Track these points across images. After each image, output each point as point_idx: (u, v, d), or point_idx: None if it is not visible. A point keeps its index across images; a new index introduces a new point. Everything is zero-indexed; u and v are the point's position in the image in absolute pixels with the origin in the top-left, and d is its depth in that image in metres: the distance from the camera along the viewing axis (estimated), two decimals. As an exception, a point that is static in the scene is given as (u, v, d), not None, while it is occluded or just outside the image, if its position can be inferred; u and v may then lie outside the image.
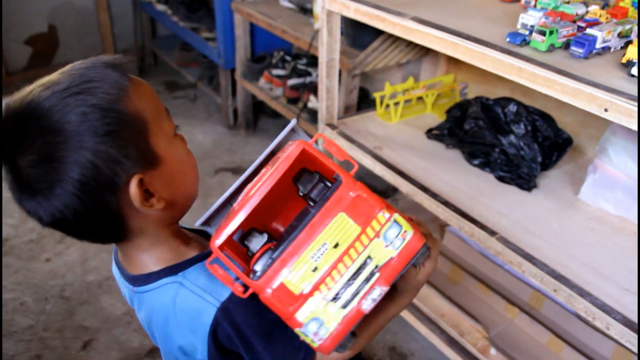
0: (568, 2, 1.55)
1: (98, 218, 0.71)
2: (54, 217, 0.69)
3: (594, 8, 1.45)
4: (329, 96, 1.85)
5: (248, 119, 3.13)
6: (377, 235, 0.69)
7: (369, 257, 0.68)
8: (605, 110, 1.08)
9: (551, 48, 1.27)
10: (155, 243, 0.79)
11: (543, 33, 1.26)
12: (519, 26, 1.39)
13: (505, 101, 1.66)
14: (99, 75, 0.69)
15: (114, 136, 0.67)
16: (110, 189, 0.69)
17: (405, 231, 0.70)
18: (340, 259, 0.68)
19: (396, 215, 0.70)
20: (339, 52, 1.80)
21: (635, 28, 1.32)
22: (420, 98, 2.05)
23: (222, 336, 0.75)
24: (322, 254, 0.67)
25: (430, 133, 1.84)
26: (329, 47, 1.77)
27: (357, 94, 2.21)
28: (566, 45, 1.29)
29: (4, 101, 0.69)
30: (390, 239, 0.69)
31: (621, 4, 1.48)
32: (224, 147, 3.06)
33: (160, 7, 3.46)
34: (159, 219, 0.76)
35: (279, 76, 2.71)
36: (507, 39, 1.31)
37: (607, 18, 1.40)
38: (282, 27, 2.48)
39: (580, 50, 1.24)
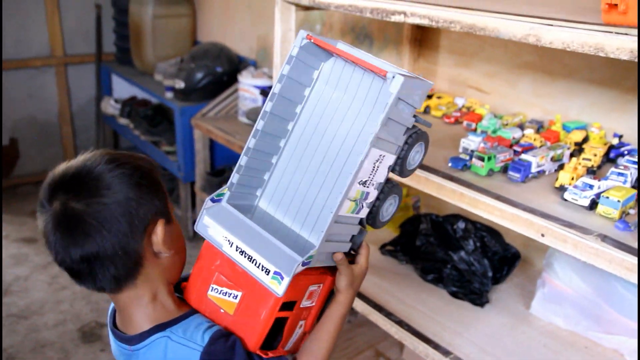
0: (506, 125, 1.66)
1: (126, 250, 0.86)
2: (93, 248, 0.83)
3: (529, 132, 1.55)
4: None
5: (208, 230, 3.12)
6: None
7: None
8: (542, 235, 1.13)
9: (490, 172, 1.34)
10: (154, 297, 0.92)
11: (482, 159, 1.33)
12: (460, 150, 1.48)
13: (454, 218, 1.72)
14: (138, 155, 0.93)
15: (150, 190, 0.88)
16: (142, 224, 0.86)
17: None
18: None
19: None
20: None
21: (567, 152, 1.42)
22: (374, 212, 2.09)
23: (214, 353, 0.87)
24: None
25: (384, 249, 1.87)
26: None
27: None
28: (504, 169, 1.37)
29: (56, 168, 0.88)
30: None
31: (553, 127, 1.59)
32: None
33: (123, 121, 3.53)
34: (164, 269, 0.92)
35: (237, 189, 2.75)
36: (449, 164, 1.38)
37: (541, 142, 1.49)
38: (240, 143, 2.55)
39: (517, 175, 1.31)
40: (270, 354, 0.92)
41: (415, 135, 0.94)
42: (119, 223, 0.84)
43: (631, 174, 1.24)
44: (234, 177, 0.95)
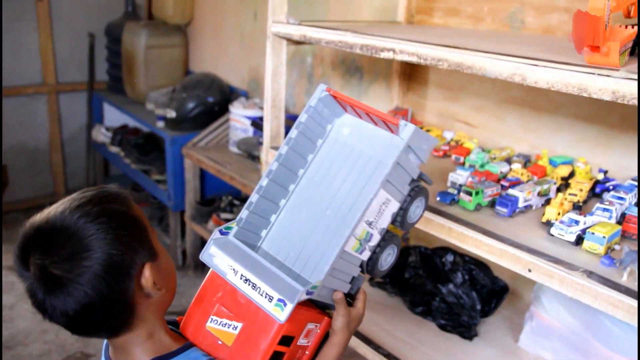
0: (494, 159, 1.68)
1: (118, 302, 0.85)
2: (81, 305, 0.81)
3: (517, 167, 1.58)
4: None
5: (197, 260, 3.11)
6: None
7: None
8: (529, 270, 1.14)
9: (478, 207, 1.36)
10: (152, 335, 0.91)
11: (470, 193, 1.35)
12: (448, 184, 1.49)
13: (442, 251, 1.73)
14: (110, 195, 0.88)
15: (131, 232, 0.85)
16: (128, 274, 0.85)
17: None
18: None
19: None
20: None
21: (554, 187, 1.44)
22: (363, 244, 2.09)
23: None
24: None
25: (373, 281, 1.87)
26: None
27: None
28: (492, 204, 1.38)
29: (28, 222, 0.84)
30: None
31: (540, 162, 1.61)
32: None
33: (114, 149, 3.53)
34: (157, 306, 0.91)
35: (227, 220, 2.75)
36: (438, 198, 1.40)
37: (528, 176, 1.51)
38: (230, 173, 2.56)
39: (505, 210, 1.33)
40: None
41: (418, 189, 1.00)
42: (104, 280, 0.82)
43: (616, 209, 1.26)
44: (244, 213, 0.97)
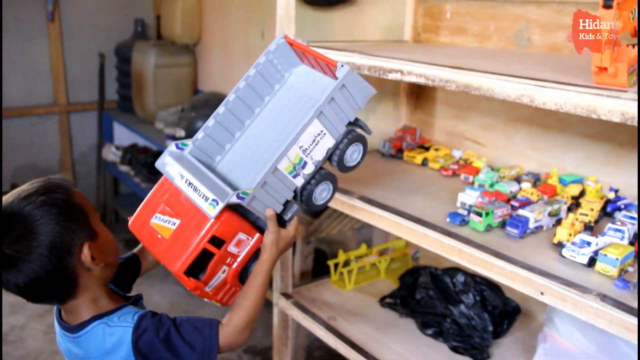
0: (503, 178, 1.67)
1: (60, 276, 0.99)
2: (30, 279, 0.96)
3: (526, 186, 1.56)
4: (283, 266, 1.88)
5: (206, 278, 3.10)
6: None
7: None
8: (542, 293, 1.12)
9: (489, 228, 1.35)
10: (95, 300, 1.05)
11: (480, 214, 1.34)
12: (458, 204, 1.48)
13: (453, 271, 1.71)
14: (53, 185, 1.02)
15: (71, 217, 0.99)
16: (69, 252, 0.99)
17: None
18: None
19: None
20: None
21: (564, 207, 1.42)
22: (373, 263, 2.08)
23: (143, 345, 0.99)
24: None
25: (384, 302, 1.85)
26: (282, 219, 1.83)
27: (312, 259, 2.24)
28: (502, 224, 1.37)
29: None
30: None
31: (549, 181, 1.60)
32: (180, 308, 3.00)
33: (124, 168, 3.56)
34: (98, 277, 1.04)
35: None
36: (448, 219, 1.39)
37: (538, 196, 1.50)
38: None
39: (515, 231, 1.31)
40: (192, 285, 1.04)
41: (356, 134, 1.14)
42: (48, 258, 0.96)
43: (628, 230, 1.24)
44: (200, 134, 1.13)
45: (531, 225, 1.33)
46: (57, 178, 1.06)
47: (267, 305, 1.46)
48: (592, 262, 1.17)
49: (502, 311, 1.67)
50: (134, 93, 3.53)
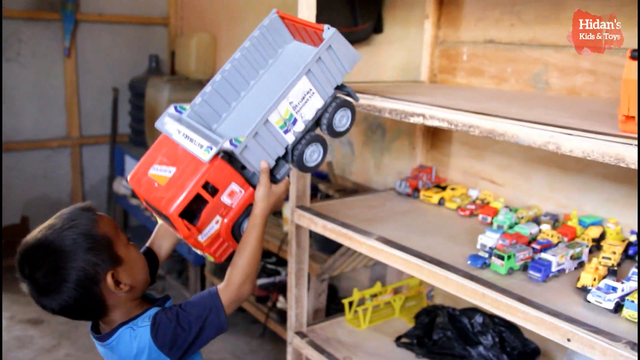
0: (522, 218, 1.67)
1: (89, 302, 1.09)
2: (61, 306, 1.07)
3: (546, 228, 1.56)
4: (298, 304, 1.87)
5: (216, 314, 3.08)
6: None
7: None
8: (568, 340, 1.11)
9: (510, 271, 1.34)
10: (127, 314, 1.13)
11: (502, 257, 1.33)
12: (478, 246, 1.48)
13: (471, 312, 1.70)
14: (79, 215, 1.09)
15: (94, 250, 1.07)
16: (94, 282, 1.07)
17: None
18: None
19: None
20: (307, 262, 1.85)
21: (586, 250, 1.42)
22: (388, 302, 2.07)
23: (161, 337, 1.07)
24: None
25: (400, 341, 1.83)
26: (297, 258, 1.83)
27: (325, 296, 2.23)
28: (524, 267, 1.36)
29: (23, 241, 1.09)
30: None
31: (569, 223, 1.59)
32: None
33: (134, 202, 3.56)
34: (126, 297, 1.12)
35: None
36: (469, 262, 1.38)
37: (558, 237, 1.50)
38: (252, 228, 2.56)
39: (538, 275, 1.31)
40: (186, 230, 1.08)
41: (344, 100, 1.22)
42: (75, 290, 1.05)
43: (653, 275, 1.24)
44: (197, 99, 1.20)
45: (554, 268, 1.32)
46: (84, 206, 1.14)
47: (281, 343, 1.43)
48: (618, 307, 1.17)
49: (521, 353, 1.65)
50: (147, 127, 3.57)
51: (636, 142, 0.97)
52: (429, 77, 2.04)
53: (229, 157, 1.14)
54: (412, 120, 1.34)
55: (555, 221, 1.66)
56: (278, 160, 1.17)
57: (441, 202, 1.87)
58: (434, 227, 1.66)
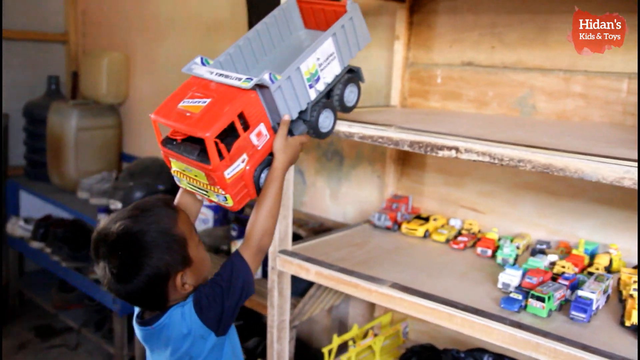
0: (519, 248, 1.59)
1: (153, 295, 1.11)
2: (127, 294, 1.11)
3: (554, 258, 1.48)
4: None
5: (146, 367, 2.73)
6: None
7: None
8: (648, 391, 1.02)
9: (549, 313, 1.24)
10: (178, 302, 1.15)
11: (542, 299, 1.23)
12: (500, 285, 1.37)
13: (478, 352, 1.58)
14: (160, 211, 1.12)
15: (170, 249, 1.10)
16: (164, 280, 1.10)
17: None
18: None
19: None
20: (289, 312, 1.65)
21: (611, 282, 1.35)
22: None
23: (203, 306, 1.11)
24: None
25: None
26: (279, 309, 1.62)
27: (294, 344, 2.02)
28: (559, 307, 1.27)
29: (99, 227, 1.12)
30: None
31: (574, 252, 1.53)
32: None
33: (36, 245, 3.10)
34: (186, 292, 1.14)
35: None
36: (502, 305, 1.26)
37: (572, 269, 1.43)
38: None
39: (583, 315, 1.22)
40: (217, 160, 1.07)
41: (354, 75, 1.32)
42: (144, 284, 1.08)
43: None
44: (222, 57, 1.27)
45: (594, 306, 1.24)
46: (166, 200, 1.18)
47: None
48: (679, 347, 1.10)
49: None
50: (49, 158, 3.13)
51: None
52: (400, 101, 1.92)
53: None
54: (441, 154, 1.20)
55: (548, 248, 1.60)
56: (296, 119, 1.22)
57: (426, 235, 1.75)
58: (436, 265, 1.53)
